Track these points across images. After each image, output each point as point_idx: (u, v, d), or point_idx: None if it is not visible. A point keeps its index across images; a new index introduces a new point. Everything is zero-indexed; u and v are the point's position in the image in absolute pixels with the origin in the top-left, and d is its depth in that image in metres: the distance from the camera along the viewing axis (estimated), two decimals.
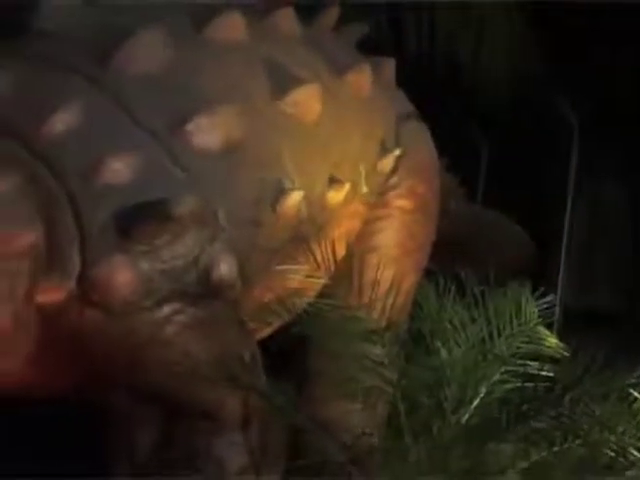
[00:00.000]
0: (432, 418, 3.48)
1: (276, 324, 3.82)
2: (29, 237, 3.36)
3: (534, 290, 3.61)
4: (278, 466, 3.58)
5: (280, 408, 3.56)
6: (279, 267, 3.70)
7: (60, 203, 3.40)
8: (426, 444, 3.47)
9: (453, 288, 3.59)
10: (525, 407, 3.50)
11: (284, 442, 3.61)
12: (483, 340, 3.53)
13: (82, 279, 3.39)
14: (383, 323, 3.62)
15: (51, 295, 3.37)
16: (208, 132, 3.53)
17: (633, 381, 3.49)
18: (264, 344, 3.74)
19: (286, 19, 3.88)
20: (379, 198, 3.98)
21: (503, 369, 3.50)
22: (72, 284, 3.38)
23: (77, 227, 3.40)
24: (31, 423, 3.97)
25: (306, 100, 3.73)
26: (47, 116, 3.41)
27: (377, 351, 3.60)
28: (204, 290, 3.52)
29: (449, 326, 3.56)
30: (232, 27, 3.70)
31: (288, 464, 3.61)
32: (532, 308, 3.60)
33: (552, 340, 3.63)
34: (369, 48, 4.19)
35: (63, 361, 3.47)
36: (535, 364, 3.53)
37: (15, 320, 3.35)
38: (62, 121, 3.41)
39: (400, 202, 4.02)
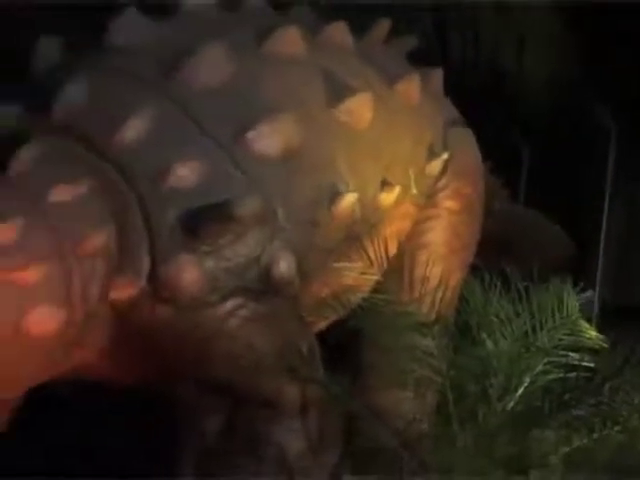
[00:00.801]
0: (478, 406, 3.50)
1: (332, 318, 3.85)
2: (102, 238, 3.41)
3: (574, 286, 3.60)
4: (334, 451, 3.60)
5: (336, 397, 3.60)
6: (335, 265, 3.70)
7: (131, 206, 3.45)
8: (473, 430, 3.49)
9: (498, 284, 3.60)
10: (567, 396, 3.53)
11: (340, 428, 3.63)
12: (527, 333, 3.53)
13: (152, 277, 3.44)
14: (432, 317, 3.64)
15: (123, 292, 3.42)
16: (268, 139, 3.56)
17: None
18: (321, 337, 3.75)
19: (340, 32, 3.88)
20: (428, 199, 3.98)
21: (546, 360, 3.51)
22: (143, 282, 3.43)
23: (147, 228, 3.45)
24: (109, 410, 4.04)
25: (359, 108, 3.74)
26: (119, 125, 3.46)
27: (427, 343, 3.62)
28: (265, 286, 3.55)
29: (495, 320, 3.57)
30: (290, 41, 3.72)
31: (343, 449, 3.62)
32: (573, 303, 3.60)
33: (592, 332, 3.62)
34: (418, 58, 4.18)
35: (135, 354, 3.52)
36: (576, 355, 3.53)
37: (90, 316, 3.41)
38: (133, 129, 3.46)
39: (447, 203, 4.01)
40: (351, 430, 3.63)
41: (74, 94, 3.49)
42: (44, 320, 3.31)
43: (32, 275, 3.30)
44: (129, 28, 3.66)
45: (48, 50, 3.66)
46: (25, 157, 3.39)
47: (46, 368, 3.41)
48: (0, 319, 3.25)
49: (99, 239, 3.40)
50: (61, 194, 3.37)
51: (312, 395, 3.56)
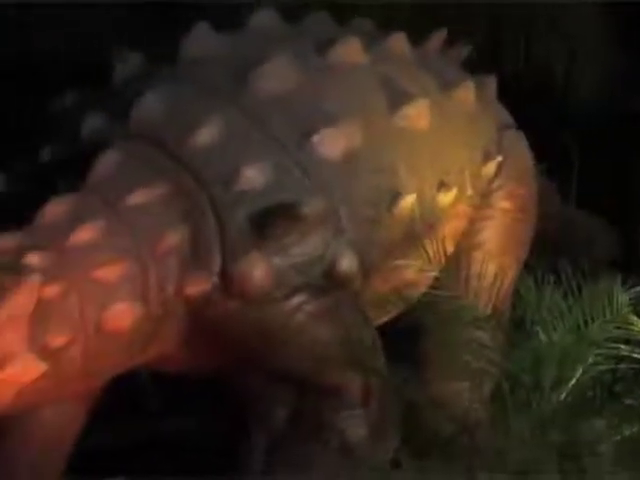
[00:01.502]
0: (532, 396, 3.48)
1: (393, 313, 3.86)
2: (176, 238, 3.47)
3: (624, 282, 3.56)
4: (394, 437, 3.62)
5: (397, 386, 3.62)
6: (395, 262, 3.72)
7: (203, 208, 3.50)
8: (527, 419, 3.46)
9: (551, 281, 3.58)
10: (617, 386, 3.52)
11: (400, 416, 3.64)
12: (578, 327, 3.52)
13: (223, 274, 3.49)
14: (488, 311, 3.64)
15: (197, 288, 3.47)
16: (331, 143, 3.59)
17: None
18: (383, 330, 3.76)
19: (399, 42, 3.90)
20: (483, 200, 3.96)
21: (597, 352, 3.49)
22: (214, 278, 3.48)
23: (218, 228, 3.50)
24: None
25: (417, 114, 3.76)
26: (192, 132, 3.52)
27: (483, 336, 3.62)
28: (329, 282, 3.58)
29: (548, 314, 3.57)
30: (351, 50, 3.75)
31: (403, 435, 3.63)
32: (623, 298, 3.56)
33: None
34: (471, 65, 4.19)
35: (207, 347, 3.57)
36: (626, 348, 3.51)
37: (166, 310, 3.47)
38: (205, 136, 3.52)
39: (502, 203, 4.00)
40: (411, 418, 3.63)
41: (151, 104, 3.55)
42: (123, 315, 3.39)
43: (112, 273, 3.38)
44: (200, 42, 3.71)
45: (128, 62, 3.73)
46: (105, 163, 3.47)
47: (125, 360, 3.48)
48: (83, 314, 3.35)
49: (174, 239, 3.46)
50: (138, 197, 3.45)
51: (374, 385, 3.59)
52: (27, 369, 3.26)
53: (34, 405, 3.45)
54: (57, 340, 3.30)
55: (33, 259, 3.29)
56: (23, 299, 3.23)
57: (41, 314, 3.27)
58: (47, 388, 3.33)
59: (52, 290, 3.29)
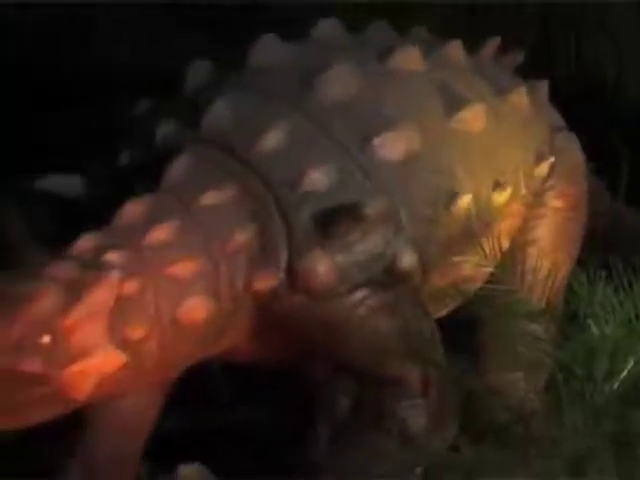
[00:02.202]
0: (585, 387, 3.47)
1: (451, 306, 3.86)
2: (245, 237, 3.51)
3: None
4: (453, 425, 3.61)
5: (455, 377, 3.61)
6: (453, 258, 3.72)
7: (270, 208, 3.53)
8: (580, 408, 3.46)
9: (603, 276, 3.56)
10: None
11: (458, 405, 3.63)
12: (629, 320, 3.49)
13: (289, 270, 3.51)
14: (542, 305, 3.64)
15: (264, 284, 3.51)
16: (391, 146, 3.60)
17: None
18: (441, 323, 3.76)
19: (455, 50, 3.90)
20: (536, 199, 3.95)
21: None
22: (281, 275, 3.51)
23: (284, 228, 3.53)
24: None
25: (473, 118, 3.76)
26: (259, 136, 3.55)
27: (537, 329, 3.65)
28: (389, 278, 3.58)
29: (599, 308, 3.54)
30: (410, 58, 3.76)
31: (461, 423, 3.62)
32: None
33: None
34: (523, 68, 4.18)
35: (274, 339, 3.60)
36: None
37: (236, 305, 3.51)
38: (272, 140, 3.55)
39: (554, 202, 3.98)
40: (469, 407, 3.63)
41: (220, 111, 3.58)
42: (196, 309, 3.43)
43: (185, 270, 3.42)
44: (267, 51, 3.74)
45: (198, 72, 3.76)
46: (178, 166, 3.51)
47: (198, 351, 3.52)
48: (159, 309, 3.39)
49: (242, 237, 3.50)
50: (210, 198, 3.48)
51: (433, 375, 3.59)
52: (107, 360, 3.31)
53: (114, 394, 3.49)
54: (135, 333, 3.34)
55: (112, 257, 3.34)
56: (103, 295, 3.28)
57: (120, 309, 3.32)
58: (126, 378, 3.38)
59: (130, 286, 3.34)
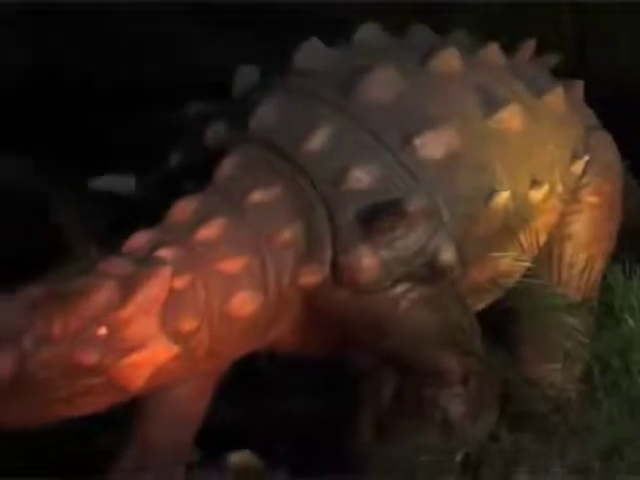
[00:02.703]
0: (621, 378, 3.51)
1: (489, 299, 3.85)
2: (291, 233, 3.53)
3: None
4: (492, 414, 3.62)
5: (494, 367, 3.64)
6: (491, 253, 3.71)
7: (315, 206, 3.55)
8: (616, 399, 3.49)
9: (638, 271, 3.61)
10: None
11: (497, 395, 3.64)
12: None
13: (334, 265, 3.53)
14: (578, 298, 3.70)
15: (310, 279, 3.53)
16: (432, 145, 3.61)
17: None
18: (480, 316, 3.76)
19: (493, 52, 3.89)
20: (572, 195, 3.93)
21: None
22: (326, 270, 3.53)
23: (329, 224, 3.54)
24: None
25: (510, 118, 3.76)
26: (305, 136, 3.57)
27: (574, 321, 3.64)
28: (430, 272, 3.59)
29: (635, 301, 3.57)
30: (449, 60, 3.76)
31: (500, 412, 3.62)
32: None
33: None
34: (559, 69, 4.17)
35: (319, 331, 3.62)
36: None
37: (282, 298, 3.53)
38: (317, 140, 3.57)
39: (589, 199, 3.97)
40: (507, 396, 3.63)
41: (267, 112, 3.61)
42: (244, 303, 3.46)
43: (234, 265, 3.45)
44: (311, 55, 3.75)
45: (245, 76, 3.79)
46: (227, 166, 3.54)
47: (247, 343, 3.55)
48: (209, 302, 3.42)
49: (289, 234, 3.52)
50: (257, 196, 3.51)
51: (472, 366, 3.60)
52: (160, 352, 3.34)
53: (166, 384, 3.51)
54: (186, 325, 3.37)
55: (164, 253, 3.38)
56: (156, 289, 3.32)
57: (172, 302, 3.35)
58: (177, 369, 3.41)
59: (181, 281, 3.37)
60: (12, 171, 4.16)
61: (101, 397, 3.33)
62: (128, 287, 3.30)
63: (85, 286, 3.28)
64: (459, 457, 3.54)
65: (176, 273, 3.36)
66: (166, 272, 3.33)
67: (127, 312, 3.29)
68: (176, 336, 3.36)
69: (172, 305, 3.35)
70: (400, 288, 3.56)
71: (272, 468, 3.86)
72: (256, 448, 3.89)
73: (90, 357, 3.25)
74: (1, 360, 3.17)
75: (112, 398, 3.37)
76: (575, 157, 3.94)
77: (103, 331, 3.28)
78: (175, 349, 3.36)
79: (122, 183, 3.68)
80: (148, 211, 3.52)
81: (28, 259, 3.35)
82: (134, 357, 3.31)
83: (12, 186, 4.15)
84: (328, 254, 3.53)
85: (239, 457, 3.88)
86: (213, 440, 3.82)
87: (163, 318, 3.34)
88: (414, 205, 3.55)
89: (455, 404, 3.59)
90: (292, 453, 3.86)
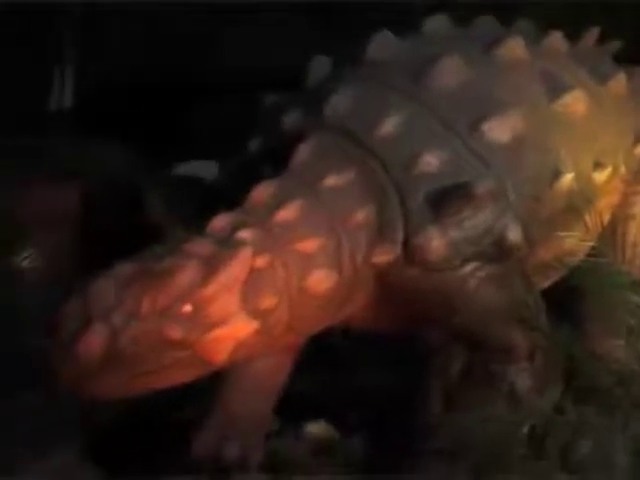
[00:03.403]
0: None
1: (554, 277, 3.85)
2: (364, 215, 3.56)
3: None
4: (557, 388, 3.61)
5: (559, 342, 3.63)
6: (556, 233, 3.70)
7: (387, 189, 3.57)
8: None
9: None
10: None
11: (562, 369, 3.62)
12: None
13: (405, 245, 3.55)
14: None
15: (383, 258, 3.55)
16: (499, 130, 3.61)
17: None
18: (545, 293, 3.75)
19: (557, 40, 3.90)
20: (635, 177, 3.92)
21: None
22: (398, 250, 3.55)
23: (401, 206, 3.56)
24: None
25: (574, 103, 3.75)
26: (377, 123, 3.59)
27: (637, 298, 3.61)
28: (498, 252, 3.60)
29: None
30: (515, 48, 3.76)
31: (565, 386, 3.60)
32: None
33: None
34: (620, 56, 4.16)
35: (391, 308, 3.64)
36: None
37: (356, 277, 3.55)
38: (389, 126, 3.58)
39: None
40: (572, 371, 3.62)
41: (341, 100, 3.64)
42: (320, 281, 3.49)
43: (310, 245, 3.49)
44: (382, 45, 3.77)
45: (319, 66, 3.82)
46: (303, 151, 3.58)
47: (323, 319, 3.58)
48: (287, 281, 3.45)
49: (362, 216, 3.55)
50: (332, 180, 3.54)
51: (538, 341, 3.60)
52: (241, 327, 3.38)
53: (247, 358, 3.55)
54: (265, 303, 3.41)
55: (245, 234, 3.42)
56: (237, 269, 3.36)
57: (252, 281, 3.39)
58: (257, 343, 3.44)
59: (261, 260, 3.40)
60: (112, 161, 4.25)
61: (186, 370, 3.37)
62: (211, 267, 3.35)
63: (172, 266, 3.33)
64: (525, 429, 3.53)
65: (256, 253, 3.40)
66: (247, 253, 3.37)
67: (210, 290, 3.33)
68: (256, 313, 3.40)
69: (252, 283, 3.39)
70: (469, 267, 3.57)
71: (346, 437, 3.87)
72: (331, 418, 3.90)
73: (176, 332, 3.30)
74: (93, 336, 3.24)
75: (197, 371, 3.41)
76: (637, 140, 3.93)
77: (188, 308, 3.32)
78: (255, 325, 3.40)
79: (205, 169, 3.74)
80: (229, 195, 3.56)
81: (124, 244, 3.42)
82: (217, 332, 3.35)
83: (111, 175, 4.25)
84: (400, 235, 3.55)
85: (315, 427, 3.89)
86: (291, 411, 3.85)
87: (244, 296, 3.38)
88: (482, 188, 3.56)
89: (522, 378, 3.58)
90: (365, 423, 3.86)
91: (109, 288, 3.29)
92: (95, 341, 3.23)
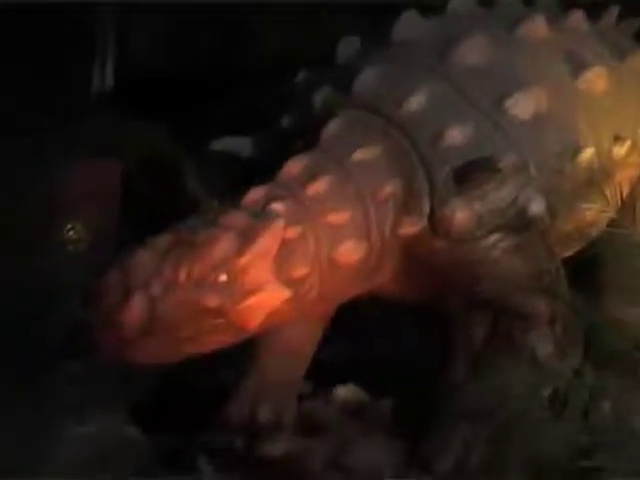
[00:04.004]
0: None
1: (575, 248, 3.88)
2: (392, 188, 3.59)
3: None
4: (577, 353, 3.62)
5: (579, 310, 3.65)
6: (577, 205, 3.73)
7: (414, 163, 3.59)
8: None
9: None
10: None
11: (582, 336, 3.64)
12: None
13: (431, 217, 3.58)
14: None
15: (410, 230, 3.59)
16: (522, 106, 3.63)
17: None
18: (566, 262, 3.77)
19: (578, 18, 3.91)
20: None
21: None
22: (424, 221, 3.58)
23: (427, 180, 3.59)
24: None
25: (595, 79, 3.77)
26: (404, 100, 3.62)
27: None
28: (520, 223, 3.62)
29: None
30: (537, 27, 3.78)
31: (585, 353, 3.61)
32: None
33: None
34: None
35: (417, 278, 3.67)
36: None
37: (384, 248, 3.59)
38: (415, 103, 3.61)
39: None
40: (591, 337, 3.64)
41: (369, 78, 3.66)
42: (350, 252, 3.53)
43: (340, 217, 3.52)
44: (409, 26, 3.79)
45: (349, 46, 3.84)
46: (333, 127, 3.60)
47: (352, 288, 3.63)
48: (318, 251, 3.47)
49: (390, 189, 3.58)
50: (361, 154, 3.57)
51: (559, 309, 3.61)
52: (274, 295, 3.41)
53: (279, 325, 3.60)
54: (298, 272, 3.45)
55: (277, 207, 3.45)
56: (270, 239, 3.40)
57: (285, 251, 3.43)
58: (290, 311, 3.48)
59: (293, 232, 3.44)
60: (151, 139, 4.31)
61: (221, 336, 3.42)
62: (246, 238, 3.38)
63: (208, 237, 3.37)
64: (547, 392, 3.56)
65: (288, 225, 3.43)
66: (279, 224, 3.40)
67: (245, 260, 3.37)
68: (288, 282, 3.43)
69: (285, 254, 3.42)
70: (493, 238, 3.59)
71: (375, 400, 3.88)
72: (360, 383, 3.90)
73: (212, 301, 3.34)
74: (134, 306, 3.28)
75: (231, 337, 3.45)
76: None
77: (224, 277, 3.36)
78: (287, 293, 3.43)
79: (239, 144, 3.77)
80: (262, 169, 3.58)
81: (164, 218, 3.45)
82: (251, 300, 3.38)
83: (151, 152, 4.29)
84: (426, 207, 3.58)
85: (345, 390, 3.91)
86: (322, 376, 3.88)
87: (277, 266, 3.41)
88: (505, 162, 3.58)
89: (543, 344, 3.59)
90: (393, 388, 3.87)
91: (148, 259, 3.33)
92: (136, 310, 3.28)
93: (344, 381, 3.91)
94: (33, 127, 4.02)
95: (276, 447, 3.67)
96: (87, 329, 3.34)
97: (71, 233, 3.98)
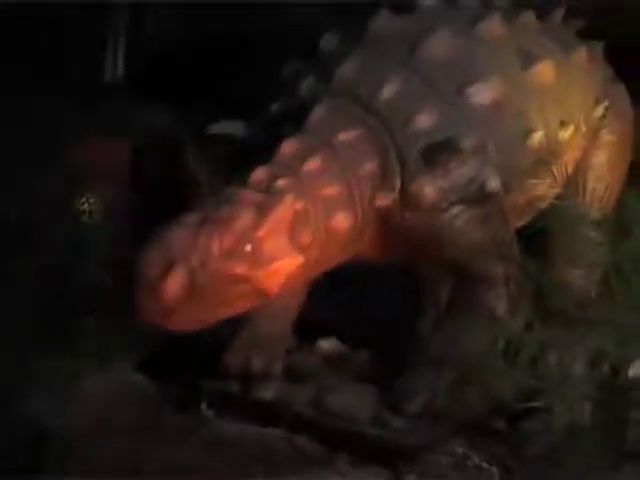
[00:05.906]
0: (632, 280, 3.54)
1: (527, 218, 4.01)
2: (371, 166, 3.70)
3: None
4: (527, 310, 3.71)
5: (529, 273, 3.75)
6: (529, 181, 3.86)
7: (388, 145, 3.71)
8: (628, 296, 3.54)
9: None
10: None
11: (531, 295, 3.71)
12: None
13: (402, 192, 3.70)
14: (599, 216, 3.82)
15: (384, 202, 3.71)
16: (482, 94, 3.76)
17: None
18: (519, 231, 3.89)
19: (529, 17, 4.02)
20: (594, 134, 4.08)
21: None
22: (396, 195, 3.70)
23: (398, 160, 3.71)
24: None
25: (544, 71, 3.90)
26: (379, 88, 3.72)
27: (595, 235, 3.74)
28: (480, 197, 3.75)
29: None
30: (494, 25, 3.90)
31: (534, 308, 3.69)
32: None
33: None
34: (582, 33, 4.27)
35: (391, 245, 3.79)
36: None
37: (364, 218, 3.71)
38: (389, 91, 3.72)
39: (607, 137, 4.11)
40: (540, 296, 3.72)
41: (349, 68, 3.77)
42: (340, 221, 3.64)
43: (332, 191, 3.63)
44: (383, 22, 3.89)
45: (330, 41, 3.92)
46: (318, 112, 3.71)
47: (342, 254, 3.73)
48: (317, 221, 3.57)
49: (369, 167, 3.69)
50: (344, 136, 3.68)
51: (513, 271, 3.75)
52: (291, 262, 3.51)
53: (291, 288, 3.62)
54: (306, 240, 3.55)
55: (283, 183, 3.55)
56: (284, 212, 3.50)
57: (295, 222, 3.52)
58: (300, 275, 3.58)
59: (298, 205, 3.54)
60: (159, 121, 4.38)
61: (248, 300, 3.49)
62: (263, 212, 3.47)
63: (231, 213, 3.45)
64: (501, 344, 3.64)
65: (295, 199, 3.52)
66: (290, 198, 3.51)
67: (264, 232, 3.46)
68: (300, 248, 3.53)
69: (296, 225, 3.51)
70: (455, 209, 3.71)
71: (354, 352, 4.01)
72: (341, 337, 4.03)
73: (241, 269, 3.42)
74: (176, 276, 3.35)
75: (255, 301, 3.52)
76: (596, 103, 4.09)
77: (249, 248, 3.43)
78: (301, 259, 3.53)
79: (233, 127, 3.83)
80: (255, 150, 3.67)
81: (170, 193, 3.52)
82: (273, 267, 3.46)
83: (158, 133, 4.37)
84: (398, 183, 3.69)
85: (327, 343, 4.03)
86: (307, 330, 3.99)
87: (291, 235, 3.51)
88: (467, 143, 3.70)
89: (499, 302, 3.73)
90: (370, 340, 3.99)
91: (184, 234, 3.39)
92: (178, 280, 3.34)
93: (326, 335, 4.04)
94: (51, 109, 4.10)
95: (267, 392, 3.79)
96: (106, 289, 3.43)
97: (85, 205, 4.11)
